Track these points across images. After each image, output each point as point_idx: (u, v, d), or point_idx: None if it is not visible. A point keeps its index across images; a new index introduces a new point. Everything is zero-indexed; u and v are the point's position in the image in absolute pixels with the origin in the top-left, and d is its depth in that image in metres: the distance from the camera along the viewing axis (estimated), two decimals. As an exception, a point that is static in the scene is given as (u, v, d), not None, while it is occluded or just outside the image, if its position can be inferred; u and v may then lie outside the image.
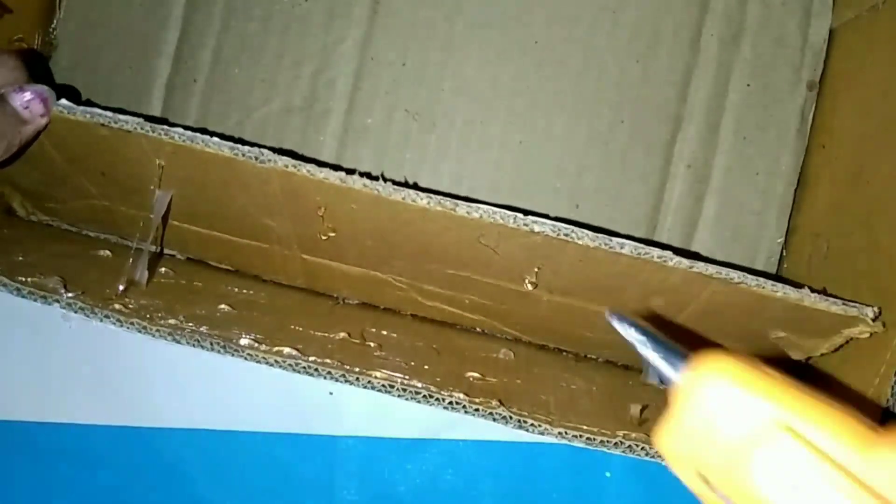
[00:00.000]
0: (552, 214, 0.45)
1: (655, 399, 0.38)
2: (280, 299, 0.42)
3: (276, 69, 0.46)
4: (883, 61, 0.39)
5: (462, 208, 0.30)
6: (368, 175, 0.31)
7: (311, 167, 0.31)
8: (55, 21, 0.46)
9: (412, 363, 0.35)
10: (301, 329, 0.36)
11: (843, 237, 0.38)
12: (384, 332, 0.39)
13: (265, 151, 0.31)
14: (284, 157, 0.31)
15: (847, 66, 0.42)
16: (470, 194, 0.45)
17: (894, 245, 0.33)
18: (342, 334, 0.37)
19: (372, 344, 0.36)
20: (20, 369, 0.47)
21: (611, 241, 0.30)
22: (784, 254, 0.44)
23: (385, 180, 0.30)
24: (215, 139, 0.31)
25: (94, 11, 0.46)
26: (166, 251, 0.43)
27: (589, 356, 0.43)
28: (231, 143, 0.31)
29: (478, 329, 0.43)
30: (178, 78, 0.46)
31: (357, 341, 0.36)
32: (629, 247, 0.30)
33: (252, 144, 0.45)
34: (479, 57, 0.45)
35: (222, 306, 0.37)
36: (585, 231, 0.30)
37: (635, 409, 0.35)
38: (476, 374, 0.35)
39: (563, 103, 0.45)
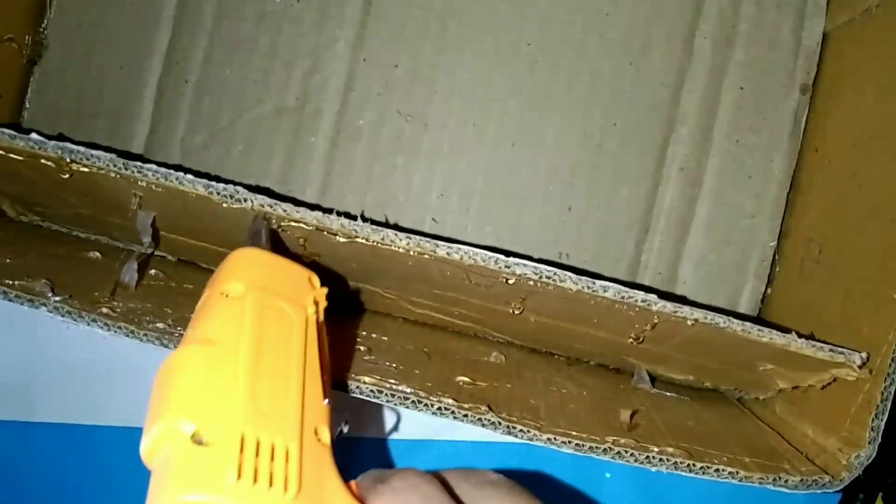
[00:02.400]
0: (545, 216, 0.45)
1: (646, 403, 0.38)
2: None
3: (267, 70, 0.45)
4: (876, 65, 0.38)
5: (442, 249, 0.30)
6: (347, 214, 0.30)
7: (288, 207, 0.30)
8: (46, 21, 0.46)
9: (401, 367, 0.35)
10: (290, 332, 0.36)
11: (836, 241, 0.38)
12: (374, 335, 0.39)
13: (240, 189, 0.30)
14: (260, 196, 0.30)
15: (840, 70, 0.42)
16: (462, 198, 0.45)
17: (888, 250, 0.33)
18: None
19: (362, 347, 0.36)
20: (19, 369, 0.47)
21: (594, 284, 0.30)
22: (776, 257, 0.44)
23: (364, 220, 0.30)
24: (189, 177, 0.30)
25: (85, 12, 0.46)
26: (157, 253, 0.42)
27: (580, 360, 0.43)
28: (206, 182, 0.30)
29: (469, 332, 0.43)
30: (170, 78, 0.46)
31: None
32: (613, 290, 0.30)
33: (245, 145, 0.45)
34: (472, 58, 0.45)
35: (211, 309, 0.37)
36: (568, 274, 0.30)
37: (625, 415, 0.35)
38: (466, 379, 0.35)
39: (555, 105, 0.45)
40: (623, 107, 0.44)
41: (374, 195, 0.45)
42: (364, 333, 0.38)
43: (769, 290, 0.44)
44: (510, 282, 0.31)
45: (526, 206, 0.45)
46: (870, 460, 0.31)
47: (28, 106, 0.46)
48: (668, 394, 0.40)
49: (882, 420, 0.30)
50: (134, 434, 0.45)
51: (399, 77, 0.45)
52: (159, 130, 0.46)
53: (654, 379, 0.41)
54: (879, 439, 0.30)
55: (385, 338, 0.39)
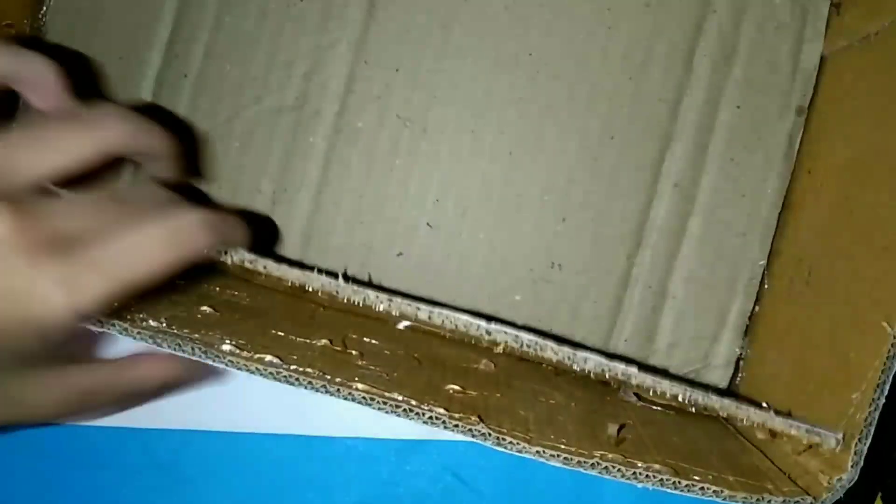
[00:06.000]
0: (539, 225, 0.45)
1: (632, 417, 0.39)
2: (262, 300, 0.42)
3: (268, 68, 0.45)
4: (872, 92, 0.39)
5: (423, 313, 0.31)
6: (328, 272, 0.32)
7: (270, 263, 0.31)
8: (45, 7, 0.46)
9: (393, 374, 0.35)
10: (282, 334, 0.36)
11: (825, 264, 0.39)
12: (365, 339, 0.39)
13: None
14: (242, 251, 0.32)
15: (837, 94, 0.43)
16: (458, 204, 0.45)
17: (877, 277, 0.34)
18: (324, 341, 0.36)
19: (354, 352, 0.36)
20: None
21: (574, 355, 0.31)
22: (766, 276, 0.45)
23: (346, 279, 0.31)
24: None
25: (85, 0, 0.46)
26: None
27: (567, 371, 0.43)
28: None
29: (459, 339, 0.43)
30: (169, 72, 0.45)
31: (339, 349, 0.36)
32: (593, 362, 0.31)
33: (242, 142, 0.45)
34: (473, 66, 0.45)
35: (204, 308, 0.37)
36: (549, 343, 0.31)
37: (613, 429, 0.35)
38: (456, 387, 0.35)
39: (554, 117, 0.45)
40: (621, 121, 0.45)
41: (370, 197, 0.45)
42: (354, 337, 0.39)
43: (757, 308, 0.45)
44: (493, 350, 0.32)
45: (521, 214, 0.45)
46: (851, 483, 0.31)
47: (24, 93, 0.46)
48: (655, 407, 0.41)
49: (865, 445, 0.31)
50: (133, 433, 0.45)
51: (400, 81, 0.45)
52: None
53: (639, 392, 0.42)
54: (861, 463, 0.31)
55: (375, 342, 0.39)
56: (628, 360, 0.44)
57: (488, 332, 0.31)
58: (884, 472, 0.43)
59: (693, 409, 0.38)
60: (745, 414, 0.32)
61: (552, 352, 0.31)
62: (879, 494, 0.43)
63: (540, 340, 0.31)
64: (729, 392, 0.45)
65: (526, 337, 0.31)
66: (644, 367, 0.31)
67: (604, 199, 0.45)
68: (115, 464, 0.46)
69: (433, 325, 0.32)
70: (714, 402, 0.31)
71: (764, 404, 0.36)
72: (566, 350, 0.31)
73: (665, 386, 0.31)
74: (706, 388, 0.32)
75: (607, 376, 0.32)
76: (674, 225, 0.45)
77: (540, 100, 0.45)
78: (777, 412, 0.32)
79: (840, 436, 0.32)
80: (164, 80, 0.45)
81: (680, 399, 0.32)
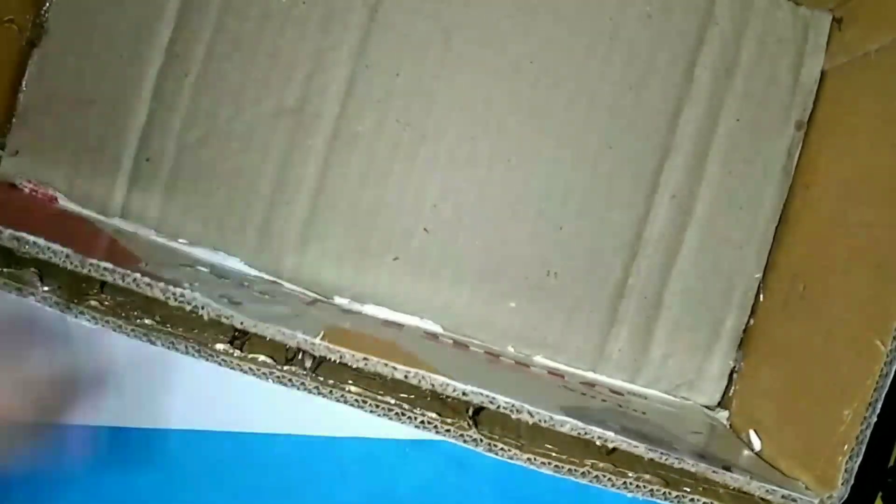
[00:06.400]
0: (536, 233, 0.45)
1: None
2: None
3: (269, 69, 0.45)
4: (871, 109, 0.39)
5: (400, 373, 0.32)
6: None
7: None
8: (48, 4, 0.46)
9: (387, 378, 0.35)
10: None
11: (820, 280, 0.39)
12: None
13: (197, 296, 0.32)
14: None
15: (836, 110, 0.43)
16: (455, 210, 0.45)
17: (871, 296, 0.34)
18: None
19: (348, 355, 0.36)
20: (21, 371, 0.46)
21: (552, 418, 0.32)
22: (761, 289, 0.45)
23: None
24: (146, 279, 0.31)
25: (88, -3, 0.46)
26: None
27: (562, 378, 0.43)
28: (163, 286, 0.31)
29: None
30: (170, 71, 0.45)
31: (332, 351, 0.36)
32: (569, 425, 0.32)
33: (241, 144, 0.45)
34: (474, 73, 0.45)
35: (199, 307, 0.37)
36: (526, 406, 0.31)
37: (604, 438, 0.35)
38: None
39: (553, 125, 0.45)
40: (620, 131, 0.45)
41: (367, 202, 0.45)
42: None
43: (751, 321, 0.45)
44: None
45: (518, 222, 0.45)
46: (842, 501, 0.31)
47: (25, 88, 0.46)
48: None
49: (856, 463, 0.31)
50: (133, 434, 0.45)
51: (400, 86, 0.45)
52: (156, 122, 0.45)
53: (633, 402, 0.42)
54: (852, 481, 0.31)
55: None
56: (620, 368, 0.44)
57: (465, 394, 0.32)
58: (884, 473, 0.43)
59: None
60: (721, 477, 0.32)
61: (528, 415, 0.32)
62: (879, 494, 0.43)
63: (516, 403, 0.31)
64: (721, 406, 0.45)
65: (503, 400, 0.31)
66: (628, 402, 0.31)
67: (601, 208, 0.45)
68: (116, 464, 0.46)
69: (407, 383, 0.32)
70: (688, 464, 0.32)
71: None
72: (543, 413, 0.31)
73: (641, 451, 0.32)
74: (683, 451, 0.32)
75: (584, 437, 0.32)
76: (670, 236, 0.45)
77: (540, 108, 0.45)
78: (753, 476, 0.32)
79: (816, 501, 0.32)
80: (164, 78, 0.45)
81: (657, 460, 0.32)
